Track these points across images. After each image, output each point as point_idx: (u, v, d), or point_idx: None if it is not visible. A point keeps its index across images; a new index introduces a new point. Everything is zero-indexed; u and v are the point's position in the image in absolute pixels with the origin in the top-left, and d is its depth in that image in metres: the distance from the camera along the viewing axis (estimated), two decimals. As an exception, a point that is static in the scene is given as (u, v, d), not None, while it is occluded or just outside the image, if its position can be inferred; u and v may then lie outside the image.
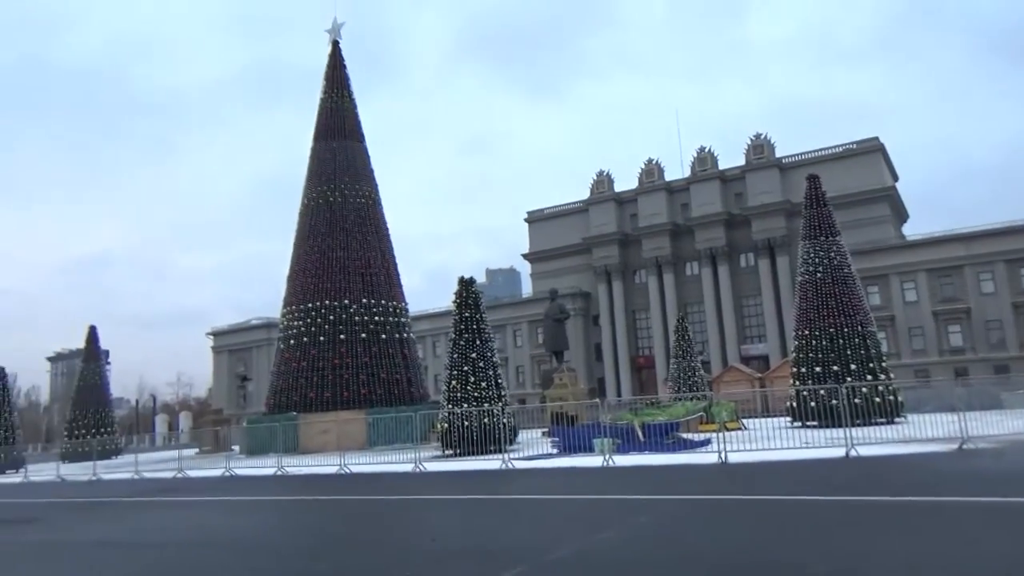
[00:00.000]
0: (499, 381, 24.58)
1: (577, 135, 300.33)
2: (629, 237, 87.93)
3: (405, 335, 39.78)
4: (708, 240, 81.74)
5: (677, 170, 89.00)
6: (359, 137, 43.49)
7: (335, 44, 44.07)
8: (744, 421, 29.70)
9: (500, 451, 21.13)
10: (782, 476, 12.99)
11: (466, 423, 22.81)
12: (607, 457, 16.90)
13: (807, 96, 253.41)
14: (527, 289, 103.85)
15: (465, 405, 23.39)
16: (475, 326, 24.61)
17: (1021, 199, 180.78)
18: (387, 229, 42.57)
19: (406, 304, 41.34)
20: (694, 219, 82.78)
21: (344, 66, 44.72)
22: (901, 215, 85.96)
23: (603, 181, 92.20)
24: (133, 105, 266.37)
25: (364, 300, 38.82)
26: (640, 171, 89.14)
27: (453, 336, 24.98)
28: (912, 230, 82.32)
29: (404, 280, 41.86)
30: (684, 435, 22.50)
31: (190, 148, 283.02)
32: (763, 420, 28.35)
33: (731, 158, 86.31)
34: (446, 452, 23.45)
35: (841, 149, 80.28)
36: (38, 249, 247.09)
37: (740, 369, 46.85)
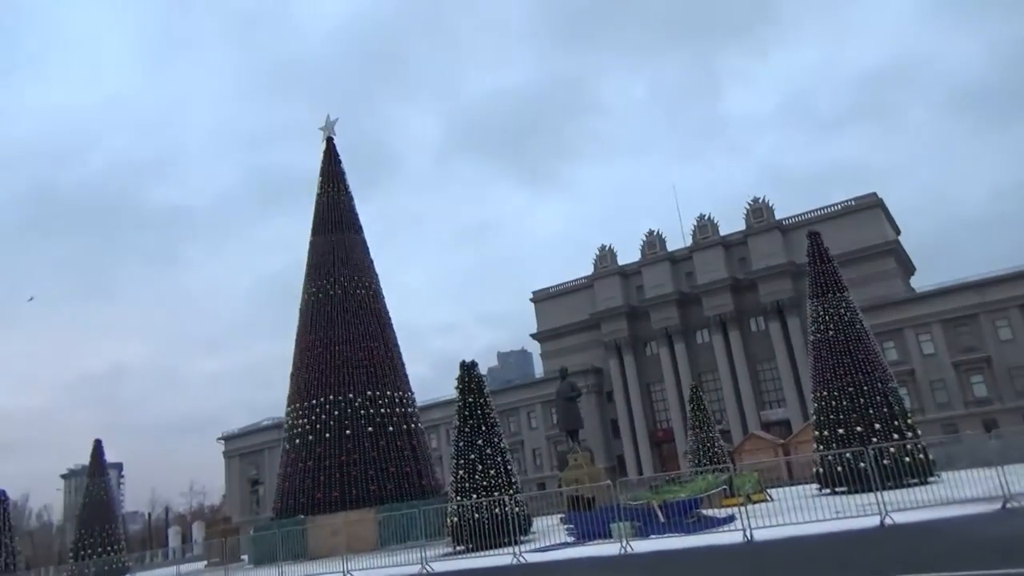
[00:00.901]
0: (508, 467, 23.50)
1: (575, 217, 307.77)
2: (636, 310, 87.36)
3: (413, 425, 38.75)
4: (716, 307, 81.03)
5: (679, 240, 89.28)
6: (357, 229, 43.64)
7: (329, 140, 44.83)
8: (770, 491, 28.33)
9: (512, 543, 19.98)
10: (814, 555, 11.93)
11: (476, 515, 21.65)
12: (624, 544, 15.77)
13: (796, 165, 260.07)
14: (539, 370, 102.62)
15: (474, 495, 22.28)
16: (480, 411, 23.75)
17: (1012, 247, 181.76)
18: (389, 319, 42.13)
19: (413, 394, 40.47)
20: (700, 287, 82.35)
21: (339, 161, 45.32)
22: (908, 268, 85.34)
23: (606, 256, 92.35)
24: (138, 220, 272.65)
25: (369, 392, 38.02)
26: (642, 243, 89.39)
27: (457, 423, 24.09)
28: (920, 283, 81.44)
29: (413, 369, 41.17)
30: (707, 511, 21.26)
31: (196, 257, 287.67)
32: (789, 489, 27.07)
33: (731, 224, 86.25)
34: (457, 548, 22.20)
35: (840, 207, 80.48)
36: (52, 366, 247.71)
37: (761, 436, 45.28)
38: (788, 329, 76.87)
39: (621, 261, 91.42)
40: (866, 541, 12.73)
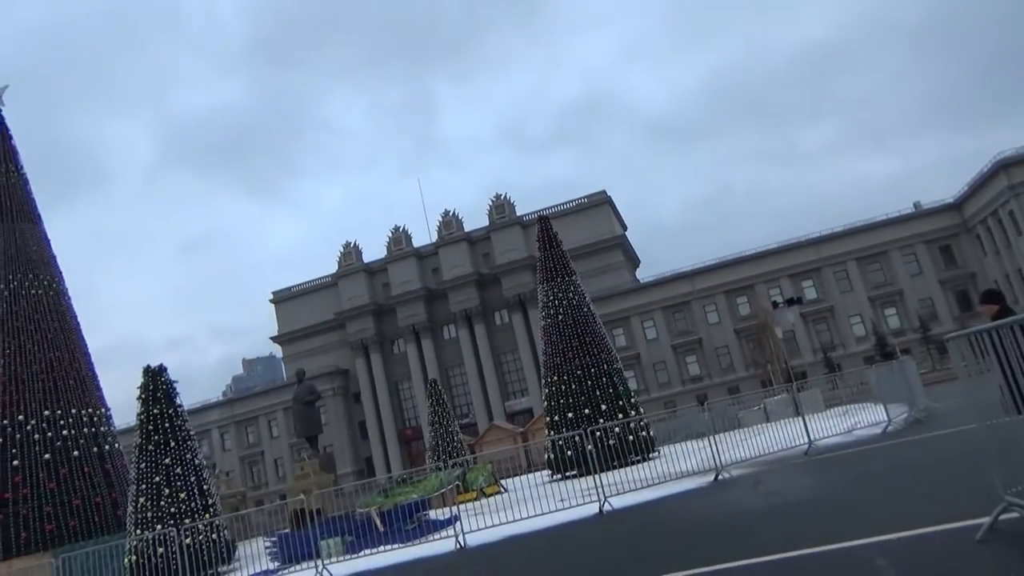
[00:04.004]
0: (204, 488, 19.82)
1: (315, 227, 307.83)
2: (383, 307, 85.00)
3: (107, 447, 32.65)
4: (461, 302, 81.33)
5: (425, 237, 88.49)
6: (33, 218, 36.02)
7: (-7, 109, 36.58)
8: (505, 482, 27.50)
9: (207, 578, 16.68)
10: (526, 562, 10.41)
11: (160, 549, 17.79)
12: (320, 570, 13.27)
13: (517, 182, 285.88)
14: (287, 375, 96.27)
15: (159, 526, 18.37)
16: (167, 424, 19.79)
17: (702, 249, 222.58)
18: (77, 324, 35.28)
19: (108, 410, 34.15)
20: (446, 282, 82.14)
21: (10, 136, 37.24)
22: (634, 261, 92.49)
23: (351, 253, 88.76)
24: None
25: (47, 412, 31.23)
26: (388, 239, 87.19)
27: (139, 441, 19.87)
28: (642, 275, 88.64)
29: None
30: (434, 513, 19.47)
31: None
32: (526, 477, 26.30)
33: (476, 221, 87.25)
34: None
35: (575, 204, 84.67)
36: None
37: (501, 427, 45.26)
38: (530, 321, 79.28)
39: (367, 259, 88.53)
40: (583, 533, 11.57)
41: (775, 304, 50.79)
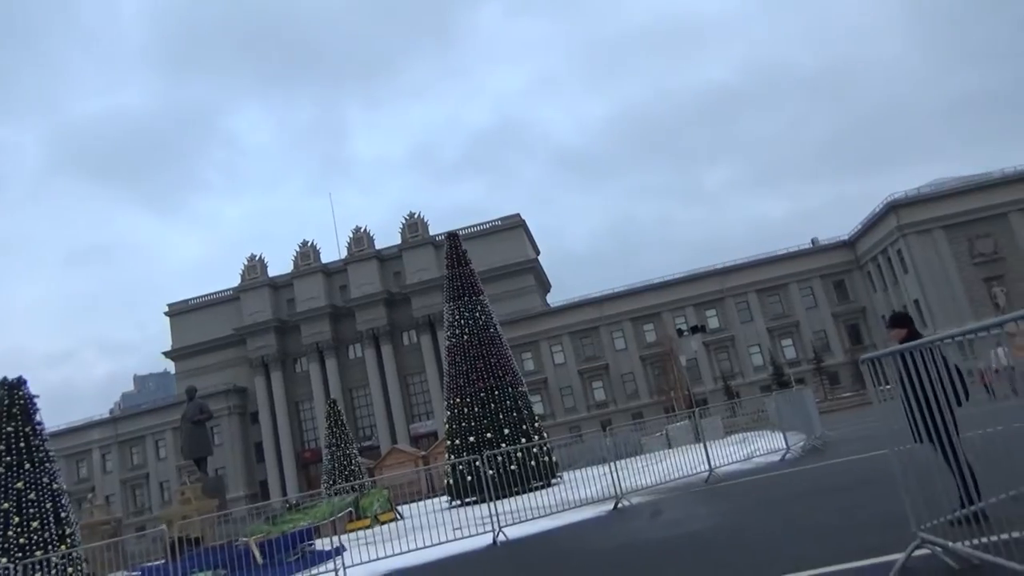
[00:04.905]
0: (62, 516, 17.82)
1: (217, 243, 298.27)
2: (287, 324, 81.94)
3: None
4: (369, 321, 79.34)
5: (334, 254, 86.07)
6: None
7: None
8: (403, 508, 26.26)
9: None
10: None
11: (4, 586, 15.77)
12: (181, 608, 11.90)
13: (426, 205, 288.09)
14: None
15: (4, 560, 16.31)
16: (22, 443, 17.72)
17: (608, 276, 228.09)
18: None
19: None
20: (354, 300, 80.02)
21: None
22: (545, 285, 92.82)
23: (255, 266, 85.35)
24: None
25: None
26: (295, 254, 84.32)
27: (-13, 462, 17.69)
28: (552, 300, 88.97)
29: None
30: (320, 543, 18.14)
31: None
32: (425, 503, 25.19)
33: (387, 239, 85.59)
34: (-29, 636, 16.04)
35: (488, 226, 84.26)
36: None
37: (403, 450, 43.85)
38: (438, 342, 77.99)
39: (273, 273, 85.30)
40: (472, 568, 10.74)
41: (680, 332, 51.65)
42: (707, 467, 16.57)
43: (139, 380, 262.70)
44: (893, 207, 64.31)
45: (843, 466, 13.73)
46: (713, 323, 72.74)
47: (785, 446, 18.28)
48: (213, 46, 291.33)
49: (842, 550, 6.31)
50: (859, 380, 66.12)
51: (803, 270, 73.39)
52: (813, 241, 76.69)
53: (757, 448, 19.73)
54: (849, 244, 73.52)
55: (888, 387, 5.96)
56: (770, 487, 13.17)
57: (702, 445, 17.47)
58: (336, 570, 11.62)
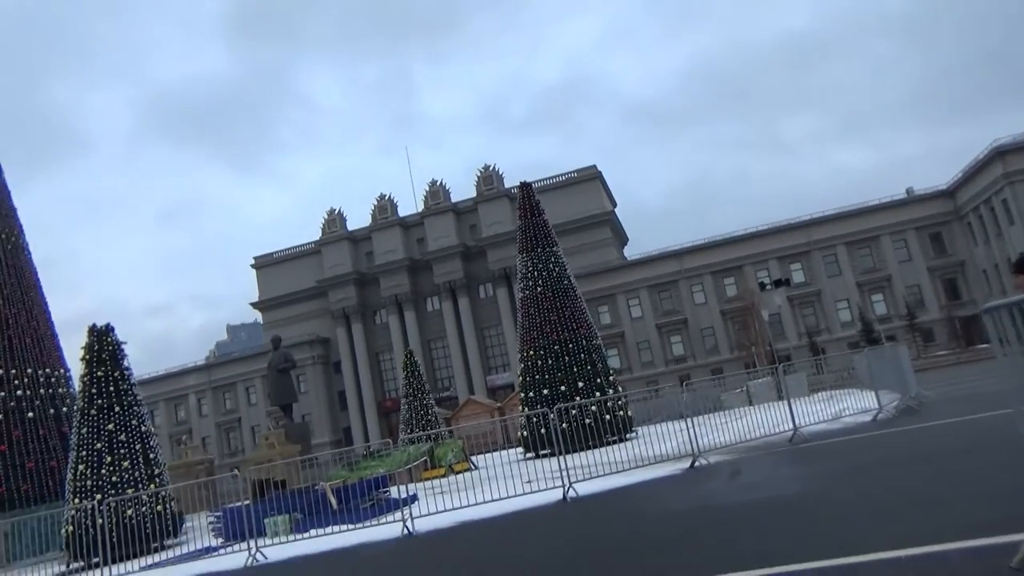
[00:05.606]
0: (150, 456, 18.58)
1: (299, 201, 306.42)
2: (366, 276, 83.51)
3: (64, 410, 31.31)
4: (446, 274, 79.96)
5: (411, 207, 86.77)
6: (-14, 161, 34.27)
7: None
8: (477, 459, 26.44)
9: (147, 552, 15.59)
10: (463, 558, 9.26)
11: (99, 521, 16.59)
12: (253, 552, 12.08)
13: (498, 162, 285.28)
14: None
15: (99, 496, 17.15)
16: (111, 387, 18.49)
17: (682, 232, 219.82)
18: (38, 281, 33.75)
19: (67, 370, 32.79)
20: (431, 253, 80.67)
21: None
22: (622, 238, 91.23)
23: (335, 220, 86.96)
24: None
25: (0, 371, 29.88)
26: (373, 207, 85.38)
27: (81, 405, 18.57)
28: (627, 255, 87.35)
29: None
30: (395, 491, 18.34)
31: None
32: (500, 454, 25.27)
33: (462, 193, 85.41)
34: (71, 566, 17.04)
35: (564, 178, 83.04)
36: None
37: (479, 401, 44.23)
38: (514, 295, 77.99)
39: (352, 227, 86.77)
40: (543, 523, 10.45)
41: (762, 286, 49.79)
42: (791, 426, 15.74)
43: (232, 330, 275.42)
44: (999, 153, 59.59)
45: (946, 428, 12.70)
46: (798, 277, 69.97)
47: (877, 405, 17.20)
48: (281, 7, 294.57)
49: (953, 525, 5.60)
50: (955, 337, 62.52)
51: (896, 221, 69.35)
52: (908, 191, 72.14)
53: (846, 407, 18.66)
54: (948, 194, 68.86)
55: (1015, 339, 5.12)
56: (862, 449, 12.30)
57: (786, 402, 16.58)
58: (404, 520, 11.55)
